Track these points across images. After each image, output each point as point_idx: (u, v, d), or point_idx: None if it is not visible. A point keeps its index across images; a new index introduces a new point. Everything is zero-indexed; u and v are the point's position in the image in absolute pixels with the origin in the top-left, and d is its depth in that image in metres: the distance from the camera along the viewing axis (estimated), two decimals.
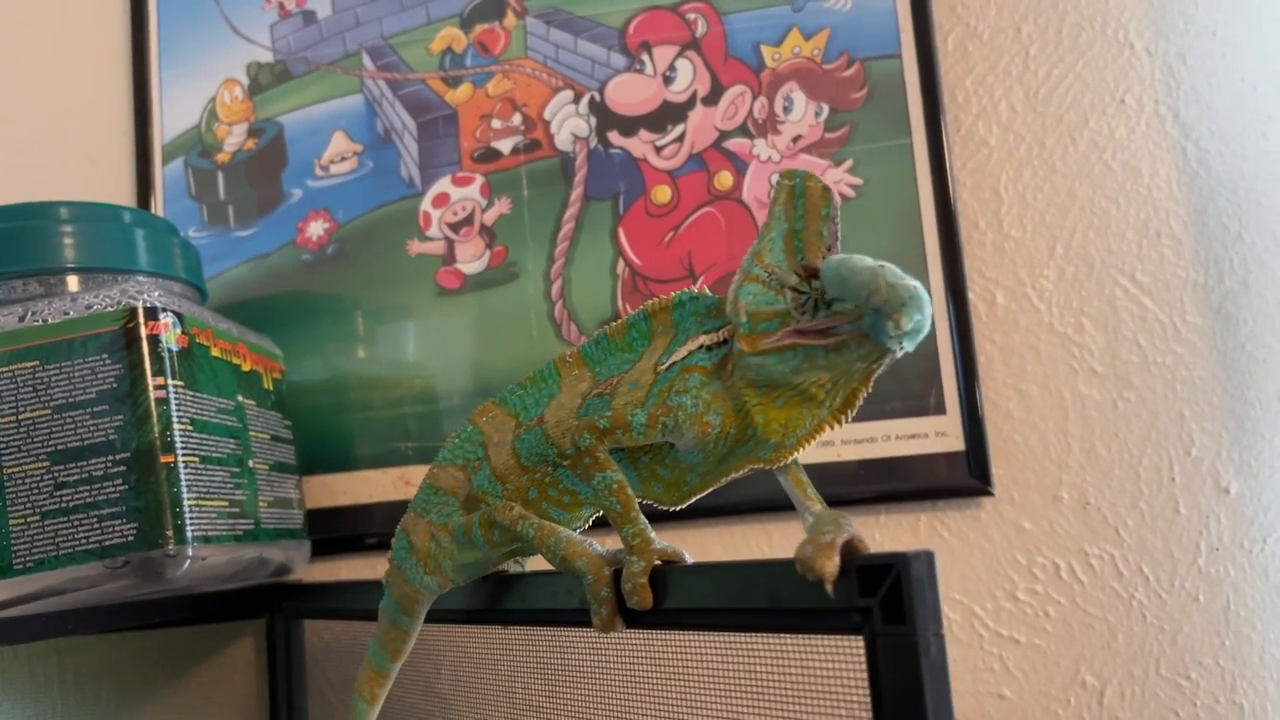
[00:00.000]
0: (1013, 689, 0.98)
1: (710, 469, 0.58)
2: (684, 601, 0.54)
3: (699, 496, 0.60)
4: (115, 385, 0.80)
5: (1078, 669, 0.97)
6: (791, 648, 0.51)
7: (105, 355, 0.80)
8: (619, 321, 0.63)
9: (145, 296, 0.83)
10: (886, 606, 0.44)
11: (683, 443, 0.57)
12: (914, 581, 0.43)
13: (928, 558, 0.43)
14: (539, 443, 0.63)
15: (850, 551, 0.46)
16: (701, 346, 0.57)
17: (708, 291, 0.60)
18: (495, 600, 0.69)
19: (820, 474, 0.99)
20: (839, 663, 0.48)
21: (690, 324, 0.60)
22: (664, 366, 0.59)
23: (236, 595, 0.99)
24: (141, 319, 0.82)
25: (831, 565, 0.45)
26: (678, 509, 0.61)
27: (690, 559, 0.56)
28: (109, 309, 0.81)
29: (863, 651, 0.45)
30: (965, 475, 0.98)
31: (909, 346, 0.47)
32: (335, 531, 1.07)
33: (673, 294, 0.61)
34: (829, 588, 0.45)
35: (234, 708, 1.09)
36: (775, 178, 0.55)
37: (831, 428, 0.53)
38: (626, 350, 0.63)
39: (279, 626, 1.03)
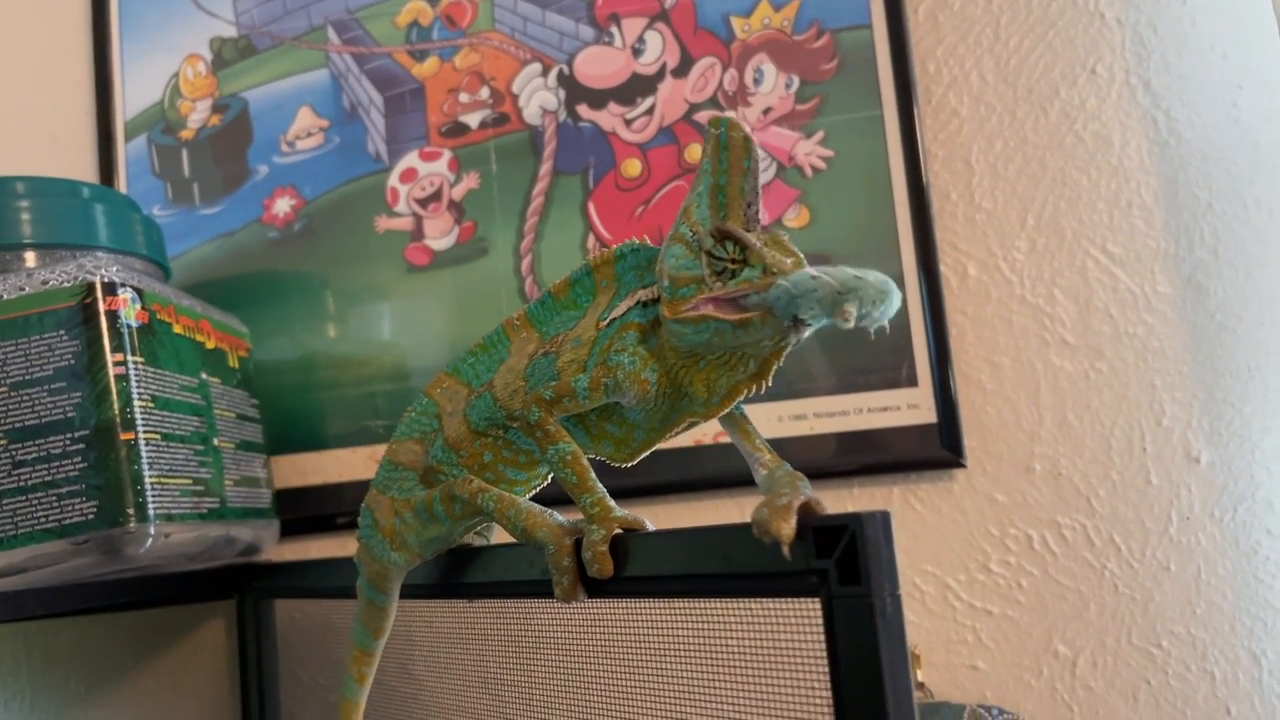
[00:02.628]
0: (986, 660, 0.98)
1: (655, 425, 0.58)
2: (644, 569, 0.53)
3: (648, 452, 0.60)
4: (73, 362, 0.79)
5: (1050, 639, 0.97)
6: (751, 611, 0.51)
7: (63, 331, 0.79)
8: (562, 279, 0.62)
9: (103, 272, 0.82)
10: (842, 567, 0.43)
11: (626, 401, 0.56)
12: (869, 542, 0.43)
13: (883, 518, 0.43)
14: (488, 407, 0.63)
15: (806, 513, 0.46)
16: (639, 302, 0.57)
17: (649, 242, 0.59)
18: (459, 574, 0.69)
19: (792, 446, 0.99)
20: (797, 624, 0.47)
21: (632, 278, 0.59)
22: (605, 322, 0.58)
23: (205, 575, 0.97)
24: (100, 294, 0.81)
25: (788, 528, 0.45)
26: (629, 465, 0.61)
27: (651, 526, 0.56)
28: (66, 284, 0.80)
29: (820, 613, 0.45)
30: (938, 447, 0.98)
31: (813, 325, 0.48)
32: (305, 511, 1.06)
33: (614, 247, 0.60)
34: (785, 550, 0.45)
35: (205, 689, 1.08)
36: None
37: (749, 390, 0.53)
38: (572, 308, 0.62)
39: (249, 607, 1.02)
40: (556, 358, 0.60)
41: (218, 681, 1.08)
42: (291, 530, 1.03)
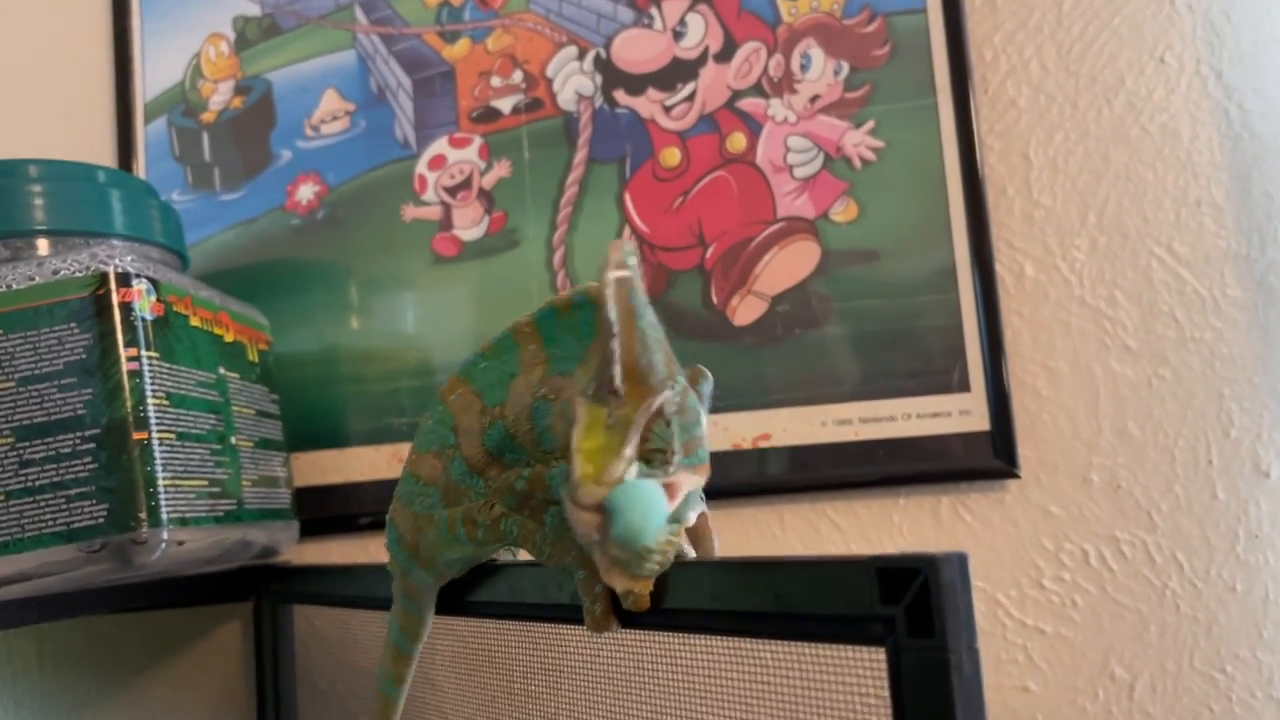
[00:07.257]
0: (1038, 681, 0.93)
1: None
2: (684, 601, 0.49)
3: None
4: (84, 356, 0.75)
5: (1107, 661, 0.92)
6: (804, 655, 0.46)
7: (74, 324, 0.75)
8: (566, 296, 0.57)
9: (117, 261, 0.78)
10: (912, 616, 0.39)
11: None
12: (944, 588, 0.38)
13: (960, 561, 0.38)
14: (503, 438, 0.59)
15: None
16: None
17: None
18: (485, 593, 0.65)
19: (836, 454, 0.94)
20: (857, 675, 0.43)
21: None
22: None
23: (222, 578, 0.94)
24: (113, 285, 0.77)
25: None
26: None
27: (692, 553, 0.51)
28: (77, 274, 0.76)
29: (885, 665, 0.40)
30: (990, 456, 0.93)
31: None
32: (326, 511, 1.03)
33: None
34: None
35: (219, 694, 1.05)
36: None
37: None
38: (573, 333, 0.57)
39: (266, 610, 0.98)
40: (552, 408, 0.57)
41: (232, 686, 1.05)
42: (312, 530, 1.00)
